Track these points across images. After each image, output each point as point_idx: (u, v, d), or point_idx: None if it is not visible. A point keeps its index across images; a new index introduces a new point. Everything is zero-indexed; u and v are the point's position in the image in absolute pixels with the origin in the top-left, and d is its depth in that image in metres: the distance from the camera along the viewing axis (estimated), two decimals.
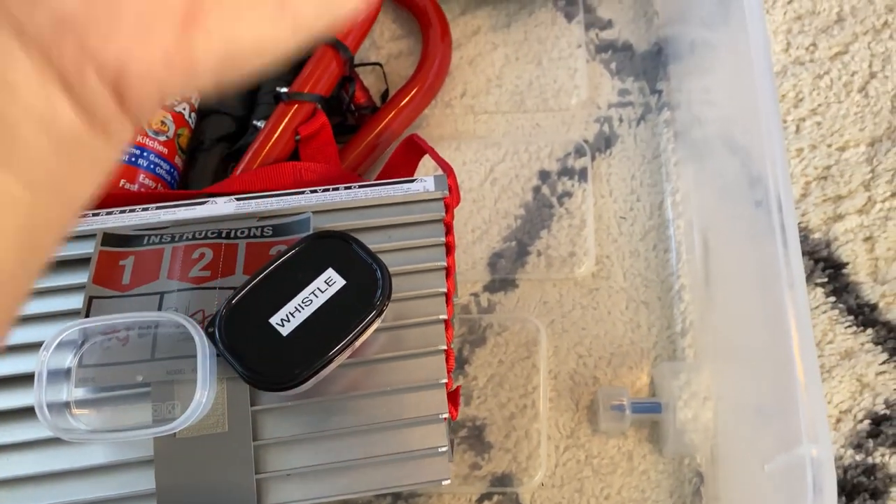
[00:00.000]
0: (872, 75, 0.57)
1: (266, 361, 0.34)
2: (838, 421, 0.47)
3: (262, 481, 0.36)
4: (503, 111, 0.58)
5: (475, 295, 0.52)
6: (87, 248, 0.41)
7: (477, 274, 0.53)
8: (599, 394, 0.47)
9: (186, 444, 0.36)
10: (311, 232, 0.40)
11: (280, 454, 0.36)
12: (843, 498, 0.45)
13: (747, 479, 0.41)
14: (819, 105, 0.56)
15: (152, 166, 0.51)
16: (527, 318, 0.51)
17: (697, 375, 0.46)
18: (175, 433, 0.36)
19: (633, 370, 0.49)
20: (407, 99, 0.56)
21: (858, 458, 0.46)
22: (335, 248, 0.37)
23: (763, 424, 0.40)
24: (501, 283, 0.53)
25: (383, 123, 0.55)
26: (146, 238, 0.41)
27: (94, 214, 0.44)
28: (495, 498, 0.47)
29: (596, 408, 0.48)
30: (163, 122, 0.52)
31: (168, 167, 0.52)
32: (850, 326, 0.49)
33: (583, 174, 0.55)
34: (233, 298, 0.36)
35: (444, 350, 0.38)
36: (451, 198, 0.43)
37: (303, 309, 0.35)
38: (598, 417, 0.47)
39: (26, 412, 0.37)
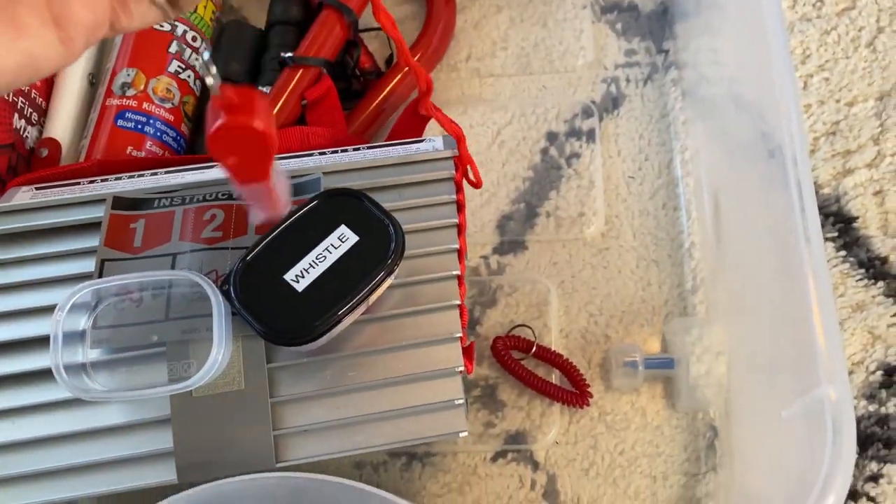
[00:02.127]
0: (880, 30, 0.56)
1: (281, 316, 0.34)
2: (851, 373, 0.47)
3: (279, 437, 0.36)
4: (509, 74, 0.58)
5: (485, 257, 0.52)
6: (97, 213, 0.41)
7: (486, 236, 0.53)
8: (612, 351, 0.48)
9: (203, 403, 0.36)
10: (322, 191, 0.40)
11: (297, 410, 0.37)
12: (857, 448, 0.45)
13: (763, 429, 0.41)
14: (826, 61, 0.56)
15: (159, 133, 0.51)
16: (537, 278, 0.51)
17: (709, 330, 0.46)
18: (192, 392, 0.36)
19: (645, 328, 0.49)
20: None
21: (871, 408, 0.46)
22: (347, 205, 0.37)
23: (778, 375, 0.40)
24: (511, 244, 0.53)
25: (389, 88, 0.55)
26: (157, 201, 0.41)
27: (102, 180, 0.44)
28: (510, 455, 0.47)
29: (608, 365, 0.48)
30: (168, 90, 0.52)
31: (174, 134, 0.52)
32: (861, 280, 0.49)
33: (591, 135, 0.55)
34: (247, 256, 0.36)
35: (458, 305, 0.38)
36: (460, 156, 0.43)
37: (317, 265, 0.35)
38: (610, 375, 0.47)
39: (43, 374, 0.37)
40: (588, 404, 0.47)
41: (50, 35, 0.25)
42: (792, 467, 0.34)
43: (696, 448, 0.46)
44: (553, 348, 0.48)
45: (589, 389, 0.47)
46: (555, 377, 0.48)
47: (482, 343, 0.49)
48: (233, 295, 0.35)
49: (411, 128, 0.50)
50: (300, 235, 0.36)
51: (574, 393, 0.47)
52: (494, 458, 0.47)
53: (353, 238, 0.36)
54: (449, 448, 0.47)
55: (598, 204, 0.53)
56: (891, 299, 0.48)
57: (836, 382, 0.31)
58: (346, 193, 0.37)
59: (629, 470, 0.46)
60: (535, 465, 0.47)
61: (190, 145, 0.53)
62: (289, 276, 0.35)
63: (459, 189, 0.42)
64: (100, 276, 0.38)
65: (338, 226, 0.36)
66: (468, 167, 0.43)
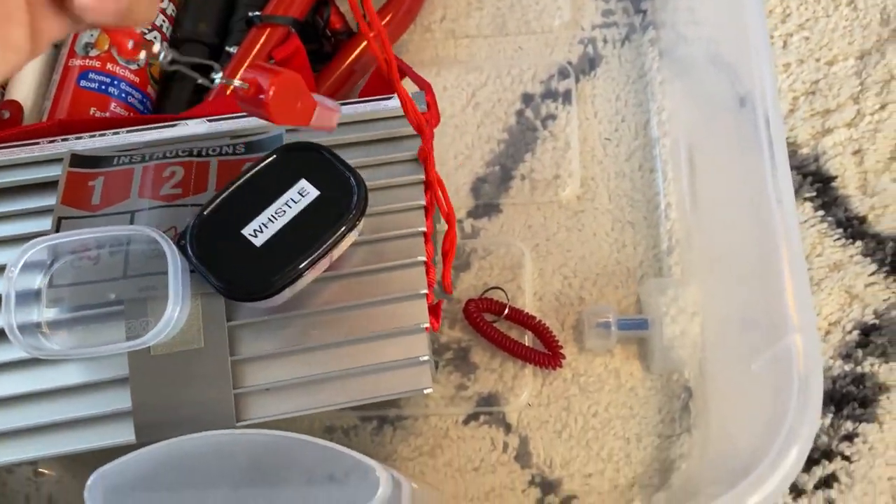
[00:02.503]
0: None
1: (239, 271, 0.33)
2: (827, 333, 0.47)
3: (240, 396, 0.36)
4: (484, 35, 0.56)
5: (459, 221, 0.51)
6: (55, 172, 0.40)
7: (460, 200, 0.52)
8: (585, 312, 0.47)
9: (162, 361, 0.35)
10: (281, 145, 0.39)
11: (258, 369, 0.36)
12: (832, 407, 0.45)
13: (735, 385, 0.40)
14: (807, 20, 0.55)
15: (124, 95, 0.49)
16: (511, 241, 0.50)
17: (685, 291, 0.46)
18: (150, 350, 0.35)
19: (619, 289, 0.49)
20: (384, 23, 0.54)
21: (847, 367, 0.46)
22: (308, 159, 0.36)
23: (750, 332, 0.40)
24: (485, 208, 0.52)
25: (360, 49, 0.54)
26: (116, 159, 0.40)
27: (63, 140, 0.43)
28: (482, 418, 0.46)
29: (582, 327, 0.47)
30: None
31: (140, 96, 0.50)
32: (838, 239, 0.48)
33: (567, 96, 0.54)
34: (204, 210, 0.35)
35: (424, 262, 0.37)
36: (430, 114, 0.42)
37: (276, 220, 0.34)
38: (583, 336, 0.47)
39: None
40: (561, 366, 0.46)
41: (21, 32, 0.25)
42: (760, 419, 0.33)
43: (671, 409, 0.46)
44: (526, 311, 0.47)
45: (562, 351, 0.46)
46: (528, 339, 0.47)
47: (455, 306, 0.48)
48: (189, 251, 0.34)
49: (382, 87, 0.49)
50: (259, 190, 0.35)
51: (546, 354, 0.46)
52: (466, 421, 0.46)
53: (313, 192, 0.35)
54: (420, 411, 0.46)
55: (573, 166, 0.52)
56: (868, 259, 0.48)
57: (803, 331, 0.31)
58: (305, 147, 0.36)
59: (602, 432, 0.46)
60: (508, 428, 0.46)
61: (157, 108, 0.52)
62: (247, 231, 0.34)
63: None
64: (56, 233, 0.37)
65: (297, 180, 0.35)
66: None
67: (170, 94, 0.52)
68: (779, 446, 0.29)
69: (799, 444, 0.29)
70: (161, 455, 0.34)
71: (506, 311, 0.47)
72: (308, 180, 0.35)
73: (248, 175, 0.35)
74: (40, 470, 0.47)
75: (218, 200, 0.35)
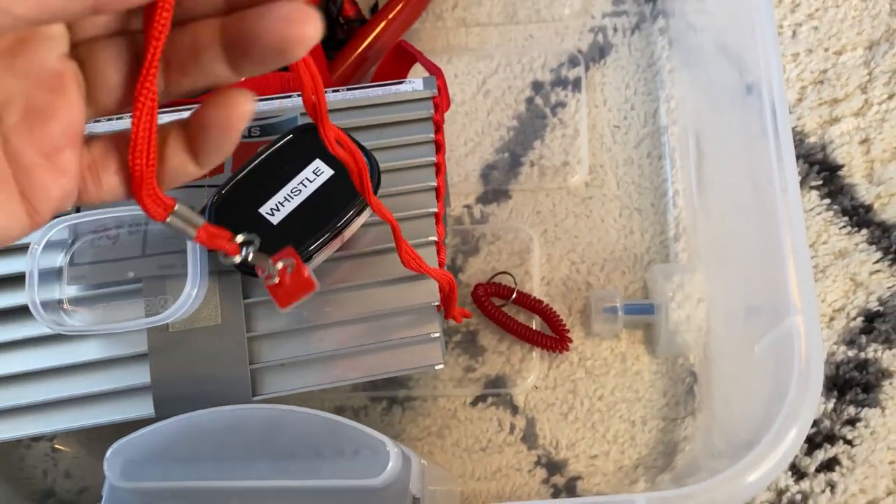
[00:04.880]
0: None
1: None
2: (831, 319, 0.47)
3: (256, 371, 0.36)
4: (495, 23, 0.57)
5: (468, 207, 0.52)
6: None
7: (469, 186, 0.53)
8: (592, 297, 0.48)
9: (180, 337, 0.36)
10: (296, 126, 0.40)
11: (274, 345, 0.37)
12: (836, 392, 0.45)
13: (738, 368, 0.41)
14: (816, 10, 0.55)
15: None
16: (520, 227, 0.51)
17: (691, 277, 0.46)
18: (168, 327, 0.36)
19: (626, 275, 0.49)
20: (396, 11, 0.55)
21: (851, 353, 0.46)
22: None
23: (754, 317, 0.40)
24: (494, 193, 0.52)
25: (373, 36, 0.54)
26: None
27: None
28: (489, 400, 0.47)
29: (589, 311, 0.48)
30: None
31: None
32: (844, 227, 0.49)
33: (576, 84, 0.55)
34: (222, 189, 0.36)
35: (435, 241, 0.38)
36: (441, 98, 0.43)
37: (292, 199, 0.35)
38: (590, 320, 0.48)
39: (21, 311, 0.37)
40: (567, 349, 0.47)
41: (16, 208, 0.23)
42: (761, 400, 0.34)
43: (676, 393, 0.47)
44: (534, 295, 0.48)
45: (568, 335, 0.47)
46: (535, 324, 0.48)
47: (464, 290, 0.49)
48: None
49: (394, 72, 0.49)
50: (275, 169, 0.36)
51: (553, 338, 0.47)
52: (474, 403, 0.47)
53: (328, 172, 0.36)
54: (429, 392, 0.47)
55: (582, 153, 0.53)
56: (873, 247, 0.48)
57: (805, 314, 0.32)
58: None
59: (608, 414, 0.46)
60: (515, 409, 0.47)
61: None
62: (264, 210, 0.35)
63: (439, 129, 0.42)
64: (77, 213, 0.38)
65: (312, 160, 0.36)
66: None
67: None
68: (779, 424, 0.30)
69: (799, 422, 0.30)
70: (177, 429, 0.35)
71: (514, 296, 0.48)
72: (322, 160, 0.36)
73: (265, 155, 0.36)
74: (57, 446, 0.48)
75: (236, 180, 0.36)
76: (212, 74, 0.23)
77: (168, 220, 0.25)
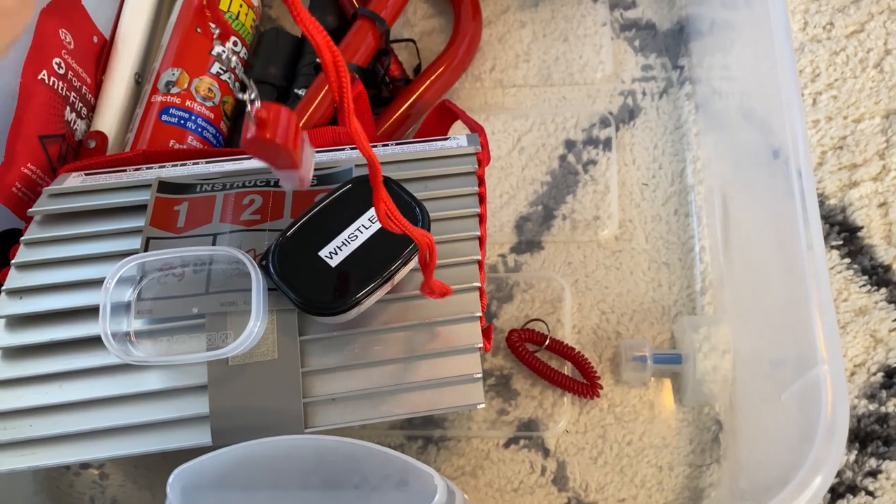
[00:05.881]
0: (888, 52, 0.59)
1: (317, 289, 0.37)
2: (853, 374, 0.49)
3: (308, 405, 0.39)
4: (531, 85, 0.61)
5: (503, 256, 0.55)
6: (143, 196, 0.44)
7: (504, 236, 0.55)
8: (622, 346, 0.50)
9: (238, 370, 0.39)
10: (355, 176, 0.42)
11: (326, 380, 0.39)
12: (857, 444, 0.47)
13: (764, 417, 0.43)
14: (835, 80, 0.58)
15: (200, 129, 0.54)
16: (552, 276, 0.54)
17: (717, 329, 0.48)
18: (228, 360, 0.39)
19: (654, 325, 0.52)
20: (438, 72, 0.59)
21: (872, 407, 0.48)
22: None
23: (780, 369, 0.42)
24: (528, 244, 0.55)
25: (416, 95, 0.58)
26: (199, 186, 0.44)
27: (147, 168, 0.47)
28: (522, 442, 0.49)
29: (618, 360, 0.50)
30: (210, 90, 0.55)
31: (214, 131, 0.55)
32: (864, 286, 0.51)
33: (607, 143, 0.58)
34: (285, 233, 0.39)
35: (479, 287, 0.41)
36: (483, 154, 0.46)
37: (349, 243, 0.38)
38: (620, 368, 0.50)
39: (90, 341, 0.40)
40: (598, 395, 0.49)
41: None
42: (787, 447, 0.36)
43: (702, 441, 0.48)
44: (566, 343, 0.50)
45: (599, 381, 0.49)
46: (567, 370, 0.50)
47: (498, 335, 0.52)
48: (271, 269, 0.38)
49: (437, 128, 0.53)
50: (334, 216, 0.39)
51: (585, 384, 0.49)
52: (507, 444, 0.49)
53: None
54: (463, 433, 0.49)
55: (612, 208, 0.55)
56: (892, 305, 0.50)
57: (831, 363, 0.34)
58: None
59: (636, 460, 0.48)
60: (546, 452, 0.49)
61: (228, 142, 0.57)
62: (323, 253, 0.38)
63: (481, 182, 0.45)
64: (145, 252, 0.41)
65: (368, 208, 0.39)
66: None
67: (240, 130, 0.57)
68: (806, 470, 0.32)
69: (826, 467, 0.32)
70: (235, 456, 0.37)
71: (546, 342, 0.50)
72: None
73: (326, 202, 0.39)
74: (105, 472, 0.50)
75: (298, 224, 0.39)
76: None
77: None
